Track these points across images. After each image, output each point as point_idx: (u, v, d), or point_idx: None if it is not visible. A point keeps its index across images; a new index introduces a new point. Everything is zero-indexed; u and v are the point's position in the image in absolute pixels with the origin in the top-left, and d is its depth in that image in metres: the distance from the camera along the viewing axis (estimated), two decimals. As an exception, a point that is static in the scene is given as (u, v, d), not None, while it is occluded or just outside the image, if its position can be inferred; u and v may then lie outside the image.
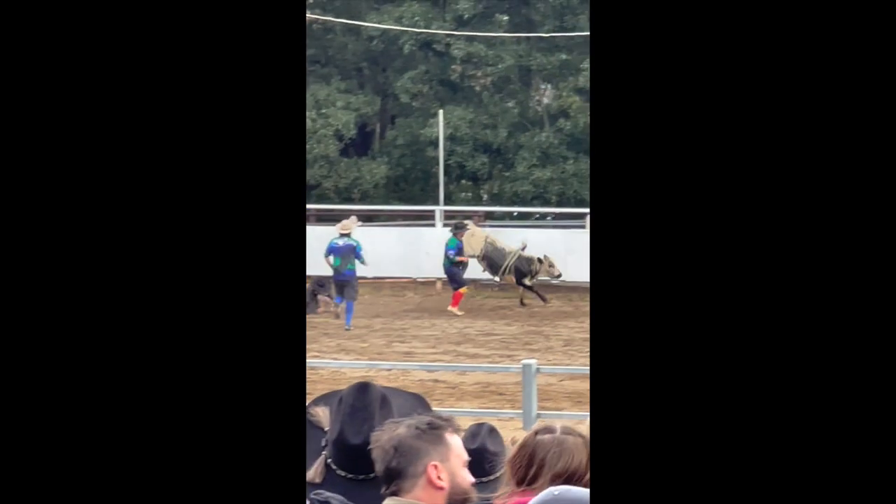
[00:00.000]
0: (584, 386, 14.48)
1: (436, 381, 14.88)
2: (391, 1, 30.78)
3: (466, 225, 23.47)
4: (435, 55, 30.81)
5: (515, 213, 28.82)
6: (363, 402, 3.93)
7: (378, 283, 24.29)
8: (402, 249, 24.70)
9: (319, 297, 21.58)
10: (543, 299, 22.52)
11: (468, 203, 30.19)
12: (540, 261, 22.72)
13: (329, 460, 3.95)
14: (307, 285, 20.00)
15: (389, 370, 14.64)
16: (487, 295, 23.89)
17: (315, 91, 28.24)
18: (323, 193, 28.39)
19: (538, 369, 10.49)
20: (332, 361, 16.32)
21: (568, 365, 16.42)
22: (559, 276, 22.50)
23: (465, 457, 3.45)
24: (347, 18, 29.32)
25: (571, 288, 23.16)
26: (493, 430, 4.61)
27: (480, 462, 4.10)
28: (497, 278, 23.06)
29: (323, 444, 3.98)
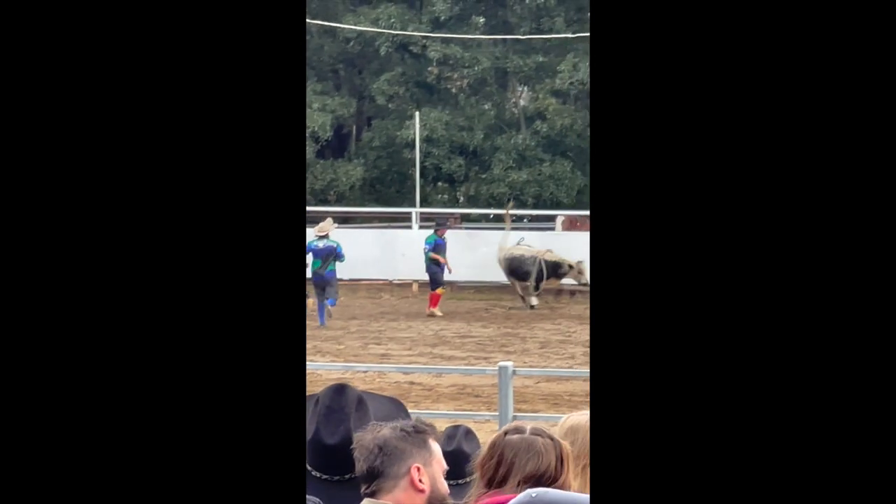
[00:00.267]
0: (561, 388, 14.50)
1: (412, 382, 14.87)
2: (367, 2, 30.79)
3: (447, 222, 23.42)
4: (411, 57, 30.81)
5: (491, 216, 28.84)
6: (339, 403, 3.93)
7: (354, 284, 24.28)
8: (378, 251, 24.71)
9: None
10: (531, 307, 22.45)
11: (444, 205, 30.21)
12: (570, 266, 22.51)
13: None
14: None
15: (365, 372, 14.61)
16: (463, 297, 23.90)
17: (291, 92, 28.18)
18: (299, 195, 28.34)
19: (514, 371, 10.45)
20: (308, 363, 16.27)
21: (544, 367, 16.41)
22: (586, 283, 21.64)
23: (445, 466, 3.46)
24: (324, 20, 29.30)
25: (546, 290, 23.19)
26: (469, 433, 4.62)
27: (457, 464, 4.10)
28: (534, 288, 22.53)
29: (299, 445, 3.97)
